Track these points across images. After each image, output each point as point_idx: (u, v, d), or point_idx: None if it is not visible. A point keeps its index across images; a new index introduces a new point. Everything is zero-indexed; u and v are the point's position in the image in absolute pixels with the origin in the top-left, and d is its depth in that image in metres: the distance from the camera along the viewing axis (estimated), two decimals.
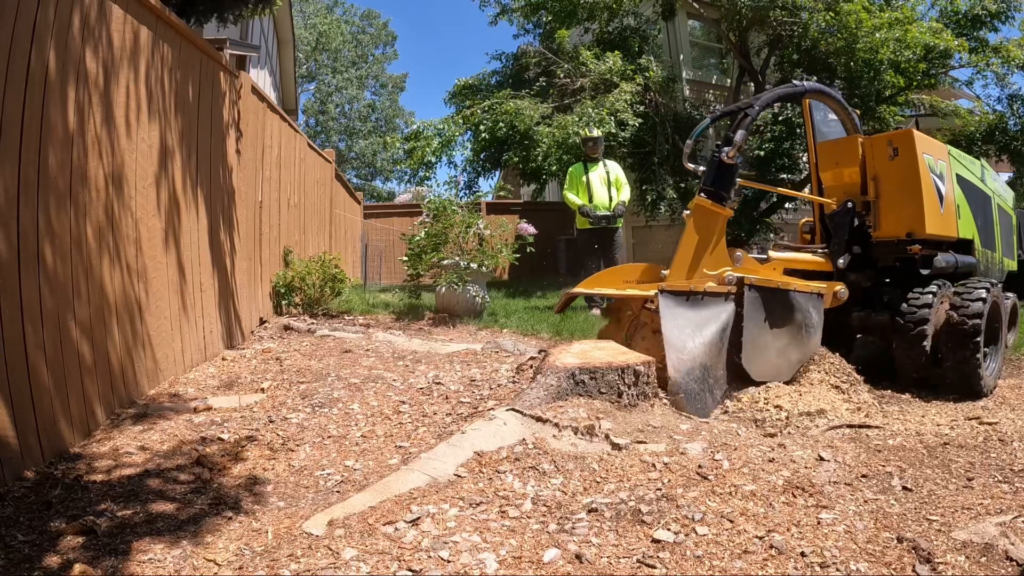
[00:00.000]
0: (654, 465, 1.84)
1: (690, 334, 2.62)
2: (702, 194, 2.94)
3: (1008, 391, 3.16)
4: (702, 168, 3.06)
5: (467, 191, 8.96)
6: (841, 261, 3.33)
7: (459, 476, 1.81)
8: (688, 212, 2.97)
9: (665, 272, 2.94)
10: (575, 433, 2.08)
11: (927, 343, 3.03)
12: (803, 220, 4.04)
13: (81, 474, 1.87)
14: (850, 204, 3.39)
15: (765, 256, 3.21)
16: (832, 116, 3.71)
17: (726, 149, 2.92)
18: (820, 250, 3.47)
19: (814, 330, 2.99)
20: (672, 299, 2.66)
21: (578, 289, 3.17)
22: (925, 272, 3.28)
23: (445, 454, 1.93)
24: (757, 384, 2.75)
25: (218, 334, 3.45)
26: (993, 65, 9.38)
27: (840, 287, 3.20)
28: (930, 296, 3.08)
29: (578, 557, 1.39)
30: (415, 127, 9.08)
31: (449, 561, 1.38)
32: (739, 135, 2.94)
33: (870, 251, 3.42)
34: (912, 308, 3.08)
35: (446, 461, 1.89)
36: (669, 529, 1.49)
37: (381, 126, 30.17)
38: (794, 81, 3.45)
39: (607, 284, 3.14)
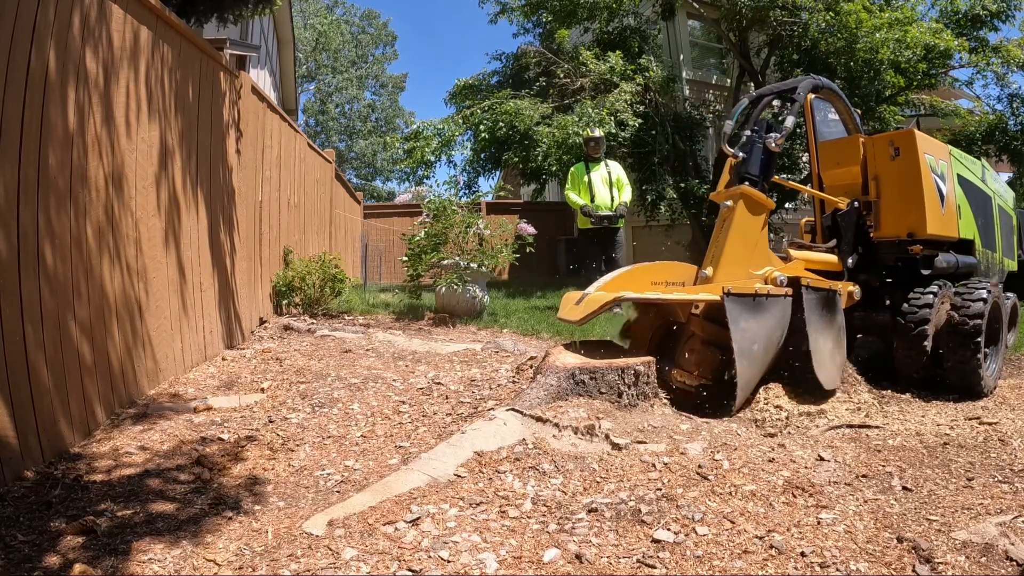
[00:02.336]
0: (654, 465, 1.85)
1: (757, 349, 2.44)
2: (746, 183, 2.70)
3: (1008, 391, 3.16)
4: (741, 154, 2.83)
5: (467, 191, 8.96)
6: (850, 261, 3.32)
7: (459, 476, 1.81)
8: (729, 203, 2.70)
9: (706, 272, 2.67)
10: (575, 433, 2.08)
11: (928, 343, 3.03)
12: (804, 219, 4.03)
13: (81, 474, 1.87)
14: (856, 203, 3.38)
15: (784, 255, 3.17)
16: (832, 116, 3.70)
17: (774, 135, 2.72)
18: (828, 249, 3.45)
19: (844, 331, 2.90)
20: (739, 304, 2.40)
21: (601, 292, 2.54)
22: (926, 272, 3.28)
23: (445, 454, 1.93)
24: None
25: (218, 334, 3.45)
26: (993, 65, 9.39)
27: (854, 287, 3.18)
28: (931, 296, 3.07)
29: (578, 557, 1.39)
30: (415, 127, 9.09)
31: (449, 561, 1.38)
32: (790, 121, 2.74)
33: (871, 251, 3.42)
34: (913, 308, 3.07)
35: (446, 461, 1.89)
36: (669, 529, 1.49)
37: (381, 126, 30.17)
38: (811, 75, 3.42)
39: (635, 287, 2.62)
